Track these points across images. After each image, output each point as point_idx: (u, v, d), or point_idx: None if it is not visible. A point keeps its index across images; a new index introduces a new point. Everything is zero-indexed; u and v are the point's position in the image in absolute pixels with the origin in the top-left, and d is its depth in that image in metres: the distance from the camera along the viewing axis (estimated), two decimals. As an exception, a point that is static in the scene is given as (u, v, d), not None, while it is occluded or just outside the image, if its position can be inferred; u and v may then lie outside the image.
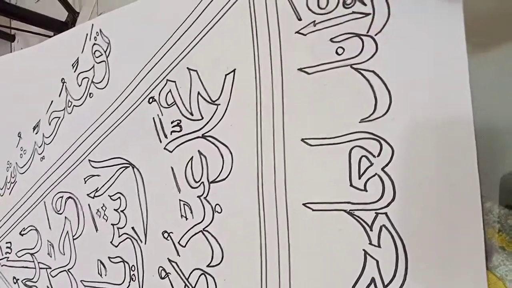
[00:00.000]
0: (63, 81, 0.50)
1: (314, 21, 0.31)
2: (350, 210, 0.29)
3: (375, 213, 0.28)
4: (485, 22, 0.37)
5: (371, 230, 0.28)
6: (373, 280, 0.28)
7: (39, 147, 0.52)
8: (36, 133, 0.53)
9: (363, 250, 0.28)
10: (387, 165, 0.28)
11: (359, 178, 0.29)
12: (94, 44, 0.46)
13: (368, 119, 0.29)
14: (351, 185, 0.29)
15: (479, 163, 0.25)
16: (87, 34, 0.47)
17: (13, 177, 0.55)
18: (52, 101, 0.51)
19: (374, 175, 0.28)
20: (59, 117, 0.50)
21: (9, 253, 0.54)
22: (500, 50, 0.36)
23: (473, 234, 0.25)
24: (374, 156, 0.28)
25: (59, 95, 0.50)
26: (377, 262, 0.28)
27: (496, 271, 0.24)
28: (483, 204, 0.25)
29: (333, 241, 0.29)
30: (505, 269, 0.24)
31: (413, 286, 0.26)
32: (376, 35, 0.29)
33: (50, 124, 0.51)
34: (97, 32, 0.46)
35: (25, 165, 0.54)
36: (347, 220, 0.29)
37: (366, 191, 0.28)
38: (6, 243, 0.54)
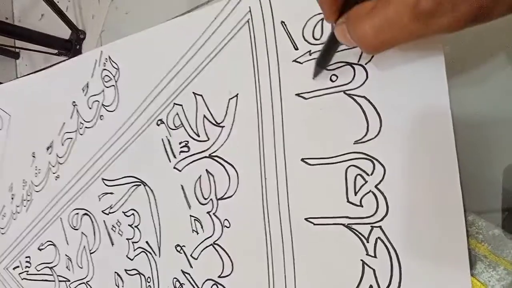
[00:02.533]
0: (74, 104, 0.53)
1: (310, 50, 0.34)
2: (348, 224, 0.32)
3: (371, 226, 0.31)
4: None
5: (368, 242, 0.31)
6: (371, 287, 0.31)
7: (53, 166, 0.55)
8: (50, 153, 0.55)
9: (361, 260, 0.31)
10: (380, 182, 0.31)
11: (355, 195, 0.32)
12: (104, 69, 0.49)
13: (361, 141, 0.32)
14: (348, 201, 0.32)
15: (462, 178, 0.28)
16: (96, 60, 0.50)
17: (29, 195, 0.58)
18: (64, 123, 0.54)
19: (368, 192, 0.31)
20: (72, 138, 0.53)
21: (29, 267, 0.57)
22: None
23: (458, 244, 0.27)
24: (368, 174, 0.31)
25: (71, 117, 0.53)
26: (374, 271, 0.30)
27: (480, 277, 0.27)
28: (466, 217, 0.27)
29: (334, 252, 0.32)
30: (487, 275, 0.27)
31: (407, 292, 0.29)
32: (366, 64, 0.32)
33: (63, 145, 0.54)
34: (106, 59, 0.49)
35: (40, 183, 0.56)
36: (346, 233, 0.32)
37: (362, 206, 0.31)
38: (26, 257, 0.57)
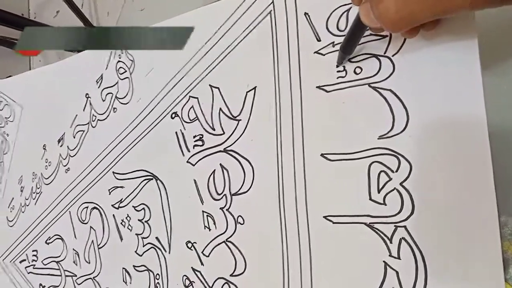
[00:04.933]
0: (87, 96, 0.52)
1: (333, 42, 0.33)
2: (370, 223, 0.30)
3: (395, 226, 0.29)
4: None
5: (391, 242, 0.29)
6: (393, 290, 0.29)
7: (64, 159, 0.54)
8: (61, 146, 0.55)
9: (383, 261, 0.29)
10: (405, 180, 0.29)
11: (378, 192, 0.30)
12: (119, 61, 0.48)
13: (386, 136, 0.30)
14: (370, 199, 0.30)
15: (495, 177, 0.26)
16: (111, 52, 0.49)
17: (38, 188, 0.57)
18: (76, 115, 0.53)
19: (393, 190, 0.29)
20: (84, 131, 0.52)
21: (35, 261, 0.56)
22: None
23: (490, 246, 0.26)
24: (392, 171, 0.30)
25: (83, 110, 0.52)
26: (397, 273, 0.29)
27: (513, 282, 0.26)
28: (498, 218, 0.26)
29: (354, 253, 0.31)
30: (521, 280, 0.25)
31: (432, 296, 0.28)
32: (393, 56, 0.30)
33: (74, 137, 0.53)
34: (121, 50, 0.48)
35: (50, 176, 0.56)
36: (367, 232, 0.30)
37: (385, 204, 0.30)
38: (33, 251, 0.56)
